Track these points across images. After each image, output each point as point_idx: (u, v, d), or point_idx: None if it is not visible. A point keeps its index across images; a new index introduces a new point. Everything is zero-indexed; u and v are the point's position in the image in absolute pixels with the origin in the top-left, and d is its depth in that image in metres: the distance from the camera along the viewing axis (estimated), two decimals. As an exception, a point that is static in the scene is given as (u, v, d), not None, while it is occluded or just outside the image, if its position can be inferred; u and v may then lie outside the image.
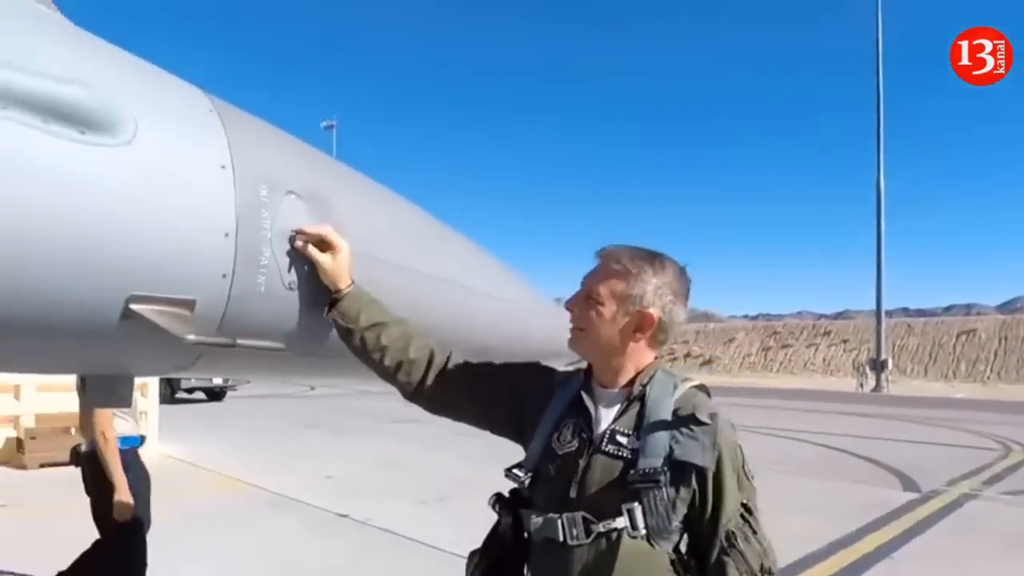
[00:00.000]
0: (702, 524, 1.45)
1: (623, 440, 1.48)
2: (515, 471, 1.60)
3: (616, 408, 1.54)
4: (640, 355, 1.57)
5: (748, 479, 1.50)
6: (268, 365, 1.94)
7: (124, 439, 4.03)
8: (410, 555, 5.90)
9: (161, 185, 1.30)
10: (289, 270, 1.59)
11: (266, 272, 1.53)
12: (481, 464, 8.94)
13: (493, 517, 1.65)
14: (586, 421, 1.54)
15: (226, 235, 1.42)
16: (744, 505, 1.46)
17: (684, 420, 1.46)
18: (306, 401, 22.51)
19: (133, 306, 1.33)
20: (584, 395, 1.57)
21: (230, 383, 21.13)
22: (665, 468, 1.42)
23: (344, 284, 1.65)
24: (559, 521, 1.48)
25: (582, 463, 1.50)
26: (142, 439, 4.24)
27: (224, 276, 1.44)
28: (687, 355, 56.70)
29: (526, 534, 1.57)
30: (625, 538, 1.43)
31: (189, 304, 1.42)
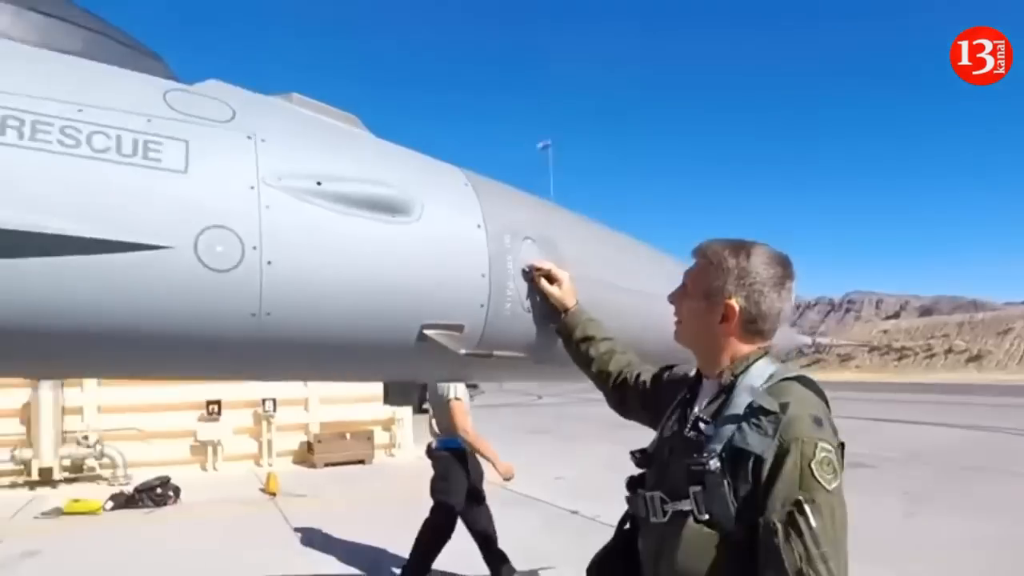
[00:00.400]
0: (754, 512, 1.40)
1: (703, 427, 1.52)
2: (636, 452, 1.74)
3: (710, 396, 1.60)
4: (733, 346, 1.59)
5: (817, 478, 1.37)
6: (514, 370, 2.46)
7: (448, 441, 5.02)
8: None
9: (440, 245, 1.86)
10: (527, 297, 2.08)
11: (511, 300, 2.03)
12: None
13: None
14: (687, 408, 1.64)
15: (482, 275, 1.94)
16: (798, 502, 1.36)
17: (754, 411, 1.45)
18: (533, 409, 23.84)
19: (426, 331, 1.90)
20: (691, 385, 1.70)
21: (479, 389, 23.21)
22: (723, 455, 1.43)
23: (569, 305, 2.11)
24: (641, 499, 1.59)
25: (671, 446, 1.60)
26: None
27: (481, 305, 1.97)
28: (948, 350, 49.80)
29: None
30: (691, 521, 1.46)
31: (460, 327, 1.96)
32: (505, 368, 2.28)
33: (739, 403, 1.49)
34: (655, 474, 1.63)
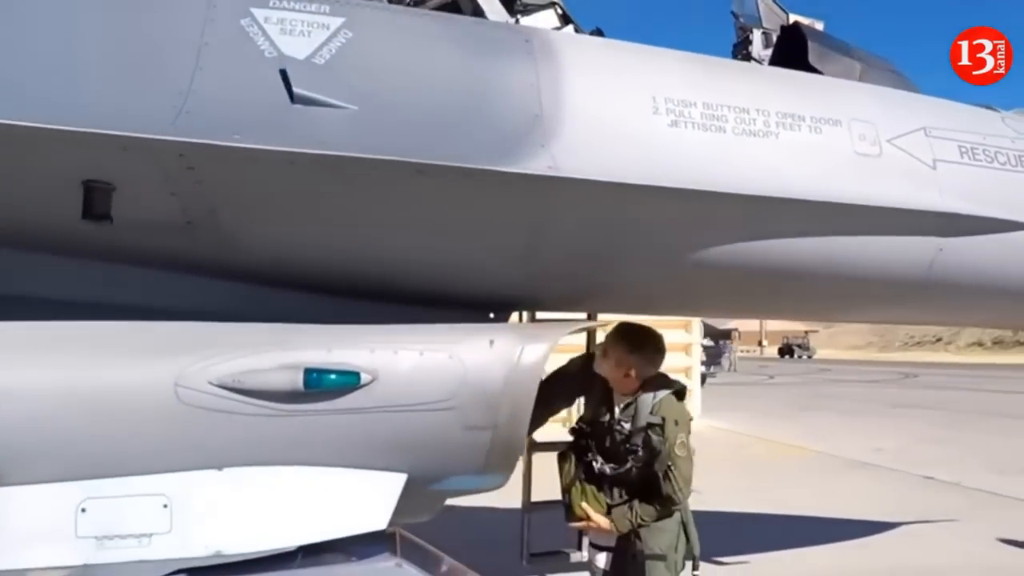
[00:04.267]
0: (657, 464, 2.58)
1: (624, 423, 2.65)
2: (580, 424, 2.82)
3: (624, 403, 2.70)
4: (633, 385, 2.68)
5: (677, 452, 2.56)
6: None
7: None
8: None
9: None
10: None
11: None
12: None
13: None
14: (610, 406, 2.71)
15: None
16: (671, 460, 2.55)
17: (651, 425, 2.59)
18: (771, 389, 23.57)
19: None
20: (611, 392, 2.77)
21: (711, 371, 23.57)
22: (642, 443, 2.61)
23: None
24: (595, 463, 2.70)
25: (605, 430, 2.69)
26: None
27: None
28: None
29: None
30: (633, 469, 2.64)
31: None
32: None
33: (643, 413, 2.62)
34: (595, 444, 2.73)
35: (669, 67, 2.25)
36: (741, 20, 3.11)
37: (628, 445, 2.62)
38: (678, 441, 2.58)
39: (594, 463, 2.70)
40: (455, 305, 2.27)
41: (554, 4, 2.63)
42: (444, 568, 2.06)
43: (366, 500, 1.81)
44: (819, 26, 2.92)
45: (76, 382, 1.65)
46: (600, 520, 2.63)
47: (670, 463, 2.55)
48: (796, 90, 2.35)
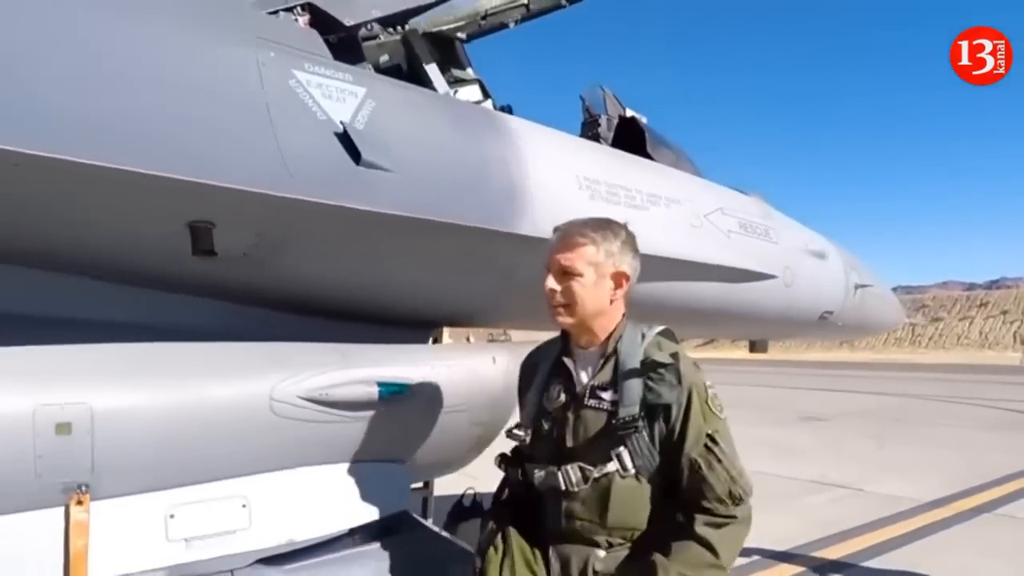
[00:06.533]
0: (673, 453, 1.66)
1: (603, 394, 1.70)
2: (515, 431, 1.86)
3: (593, 366, 1.77)
4: (616, 312, 1.78)
5: (714, 412, 1.67)
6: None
7: None
8: None
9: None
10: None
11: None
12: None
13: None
14: (568, 380, 1.78)
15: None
16: (709, 435, 1.64)
17: (651, 366, 1.68)
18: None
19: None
20: (565, 359, 1.82)
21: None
22: (642, 413, 1.65)
23: None
24: (559, 472, 1.70)
25: (571, 417, 1.74)
26: None
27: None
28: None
29: (532, 485, 1.78)
30: (616, 479, 1.67)
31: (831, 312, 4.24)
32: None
33: (628, 364, 1.69)
34: (550, 447, 1.76)
35: (583, 153, 3.03)
36: (587, 104, 4.04)
37: (616, 422, 1.67)
38: (710, 394, 1.68)
39: (534, 475, 1.78)
40: (403, 324, 2.75)
41: (478, 80, 3.22)
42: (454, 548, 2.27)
43: (397, 486, 2.27)
44: (644, 120, 3.97)
45: (182, 401, 1.82)
46: None
47: (709, 440, 1.64)
48: (655, 176, 3.31)
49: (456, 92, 3.06)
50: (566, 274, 1.75)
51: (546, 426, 1.78)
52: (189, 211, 1.87)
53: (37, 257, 1.96)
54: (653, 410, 1.66)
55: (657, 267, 3.14)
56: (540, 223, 2.59)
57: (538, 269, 2.72)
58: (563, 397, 1.77)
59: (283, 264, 2.19)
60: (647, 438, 1.66)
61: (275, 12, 2.40)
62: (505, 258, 2.56)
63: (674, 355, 1.69)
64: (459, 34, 3.09)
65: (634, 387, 1.66)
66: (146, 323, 2.10)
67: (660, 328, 1.78)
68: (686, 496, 1.64)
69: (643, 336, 1.75)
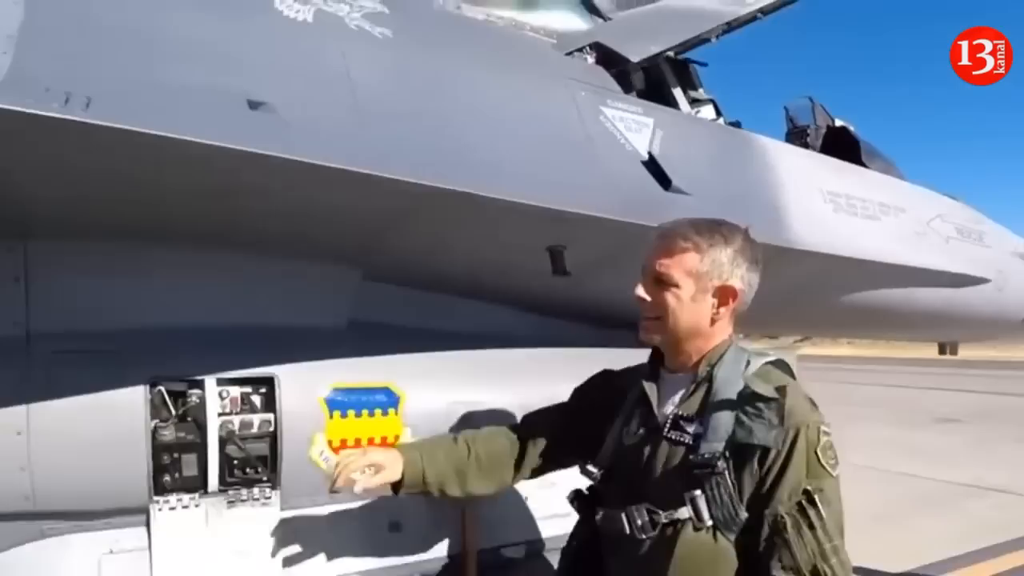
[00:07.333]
0: (760, 506, 1.34)
1: (687, 426, 1.42)
2: (589, 467, 1.59)
3: (682, 392, 1.49)
4: (718, 334, 1.50)
5: (823, 465, 1.34)
6: None
7: None
8: None
9: None
10: None
11: None
12: None
13: None
14: (649, 409, 1.51)
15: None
16: (807, 492, 1.31)
17: (748, 398, 1.37)
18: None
19: None
20: (645, 384, 1.54)
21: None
22: (727, 452, 1.36)
23: (396, 475, 1.67)
24: (622, 514, 1.45)
25: (646, 452, 1.47)
26: None
27: None
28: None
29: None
30: (687, 530, 1.38)
31: None
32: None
33: (723, 394, 1.41)
34: (623, 487, 1.51)
35: (821, 166, 3.26)
36: (791, 114, 4.21)
37: (694, 458, 1.42)
38: (823, 442, 1.37)
39: (596, 515, 1.57)
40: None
41: (712, 100, 3.49)
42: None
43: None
44: (852, 128, 4.11)
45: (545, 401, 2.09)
46: None
47: (806, 498, 1.33)
48: (879, 185, 3.49)
49: (697, 112, 3.34)
50: (660, 282, 1.51)
51: (621, 462, 1.56)
52: (551, 236, 2.25)
53: (423, 278, 2.38)
54: (742, 451, 1.38)
55: (890, 275, 3.34)
56: (798, 235, 2.83)
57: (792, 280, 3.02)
58: (642, 431, 1.54)
59: (596, 281, 2.54)
60: (731, 485, 1.37)
61: (570, 53, 2.76)
62: (774, 270, 2.83)
63: (780, 389, 1.40)
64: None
65: (723, 420, 1.40)
66: (488, 333, 2.51)
67: (772, 357, 1.51)
68: (759, 562, 1.35)
69: (748, 363, 1.47)
